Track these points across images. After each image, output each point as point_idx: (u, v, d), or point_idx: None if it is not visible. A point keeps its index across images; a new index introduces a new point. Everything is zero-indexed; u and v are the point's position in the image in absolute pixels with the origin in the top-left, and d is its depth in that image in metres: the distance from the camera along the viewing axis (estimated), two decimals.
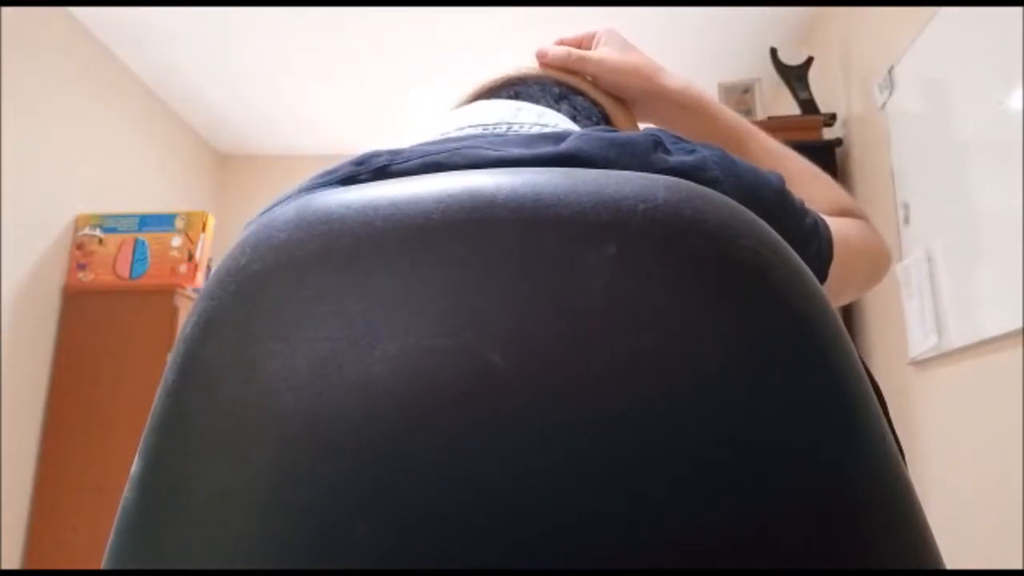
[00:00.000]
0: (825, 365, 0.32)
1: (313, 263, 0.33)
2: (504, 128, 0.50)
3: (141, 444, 0.35)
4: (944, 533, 1.69)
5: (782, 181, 0.47)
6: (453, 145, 0.43)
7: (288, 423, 0.32)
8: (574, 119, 0.58)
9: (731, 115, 0.66)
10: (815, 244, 0.49)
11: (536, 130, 0.50)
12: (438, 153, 0.42)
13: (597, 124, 0.60)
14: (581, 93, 0.61)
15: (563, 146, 0.42)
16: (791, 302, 0.32)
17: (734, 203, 0.34)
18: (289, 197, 0.43)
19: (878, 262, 0.61)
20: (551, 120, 0.52)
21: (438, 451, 0.31)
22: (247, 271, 0.34)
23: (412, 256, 0.32)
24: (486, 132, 0.49)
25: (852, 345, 0.34)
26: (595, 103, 0.62)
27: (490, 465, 0.31)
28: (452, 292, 0.32)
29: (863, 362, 0.36)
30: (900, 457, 0.34)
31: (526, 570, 0.30)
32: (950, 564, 1.62)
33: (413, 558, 0.31)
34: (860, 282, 0.60)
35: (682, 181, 0.34)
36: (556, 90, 0.60)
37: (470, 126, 0.51)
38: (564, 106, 0.58)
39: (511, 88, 0.59)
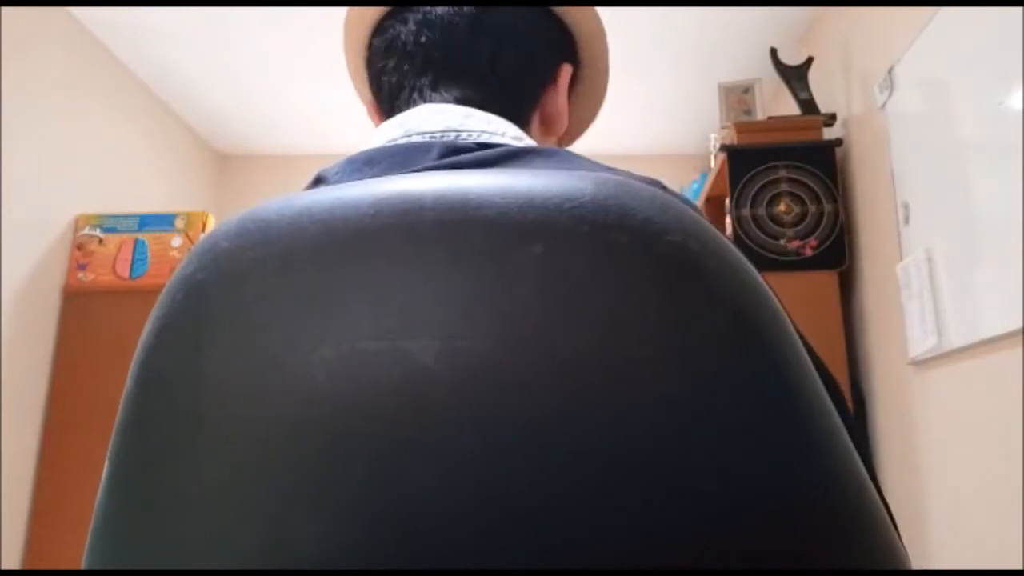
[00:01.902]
0: (762, 360, 0.32)
1: (251, 271, 0.34)
2: (452, 136, 0.49)
3: (109, 448, 0.36)
4: (944, 533, 1.69)
5: None
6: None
7: (235, 427, 0.33)
8: (493, 55, 0.54)
9: None
10: None
11: (484, 138, 0.49)
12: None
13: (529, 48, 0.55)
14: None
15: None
16: (724, 297, 0.32)
17: (666, 197, 0.34)
18: None
19: None
20: (499, 128, 0.51)
21: (375, 453, 0.31)
22: (192, 280, 0.35)
23: (344, 261, 0.33)
24: (434, 140, 0.48)
25: (797, 339, 0.34)
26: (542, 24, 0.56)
27: (424, 466, 0.31)
28: (383, 296, 0.32)
29: (817, 358, 0.36)
30: (854, 454, 0.33)
31: (462, 570, 0.30)
32: (950, 564, 1.62)
33: (352, 558, 0.31)
34: None
35: (612, 177, 0.34)
36: (467, 13, 0.54)
37: (417, 134, 0.50)
38: (479, 44, 0.54)
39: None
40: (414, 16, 0.55)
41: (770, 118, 2.35)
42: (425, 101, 0.53)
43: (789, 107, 2.49)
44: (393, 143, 0.49)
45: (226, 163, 3.68)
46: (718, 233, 0.34)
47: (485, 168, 0.42)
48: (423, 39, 0.54)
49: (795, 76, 2.34)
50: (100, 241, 2.48)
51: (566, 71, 0.59)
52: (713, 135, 2.62)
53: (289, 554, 0.31)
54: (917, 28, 1.80)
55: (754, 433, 0.31)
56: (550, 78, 0.58)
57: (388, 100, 0.56)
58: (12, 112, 2.22)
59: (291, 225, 0.34)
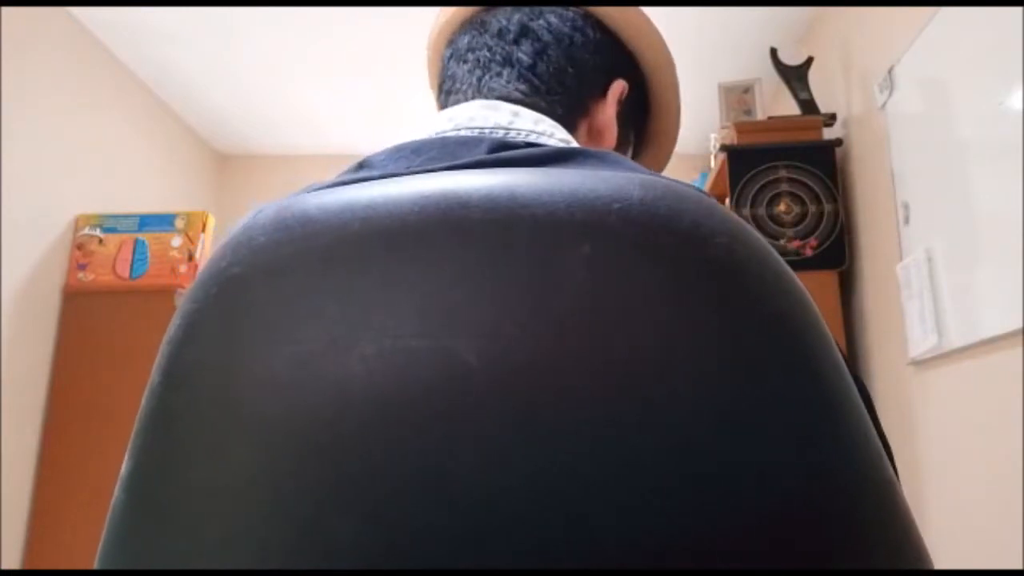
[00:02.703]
0: (804, 363, 0.32)
1: (291, 266, 0.33)
2: (501, 133, 0.50)
3: (130, 444, 0.35)
4: (944, 533, 1.69)
5: None
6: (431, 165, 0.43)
7: (268, 424, 0.32)
8: (539, 56, 0.56)
9: None
10: None
11: (533, 138, 0.49)
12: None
13: (567, 63, 0.56)
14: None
15: None
16: (768, 300, 0.32)
17: (711, 201, 0.34)
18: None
19: None
20: (547, 128, 0.51)
21: (414, 451, 0.31)
22: (227, 274, 0.34)
23: (388, 258, 0.32)
24: (483, 136, 0.48)
25: (834, 343, 0.34)
26: (585, 26, 0.58)
27: (465, 464, 0.31)
28: (428, 293, 0.32)
29: (847, 360, 0.36)
30: (885, 456, 0.33)
31: (501, 570, 0.30)
32: (950, 564, 1.62)
33: (389, 556, 0.31)
34: None
35: (658, 179, 0.34)
36: (516, 20, 0.57)
37: (467, 128, 0.50)
38: (525, 46, 0.56)
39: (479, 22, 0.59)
40: (473, 25, 0.59)
41: (770, 118, 2.35)
42: (472, 98, 0.55)
43: (789, 107, 2.49)
44: (442, 135, 0.50)
45: (226, 163, 3.67)
46: (761, 237, 0.34)
47: (533, 166, 0.42)
48: (476, 43, 0.58)
49: (795, 76, 2.34)
50: (100, 241, 2.48)
51: (618, 85, 0.59)
52: (713, 135, 2.62)
53: (323, 552, 0.31)
54: (917, 28, 1.80)
55: (793, 434, 0.31)
56: (600, 89, 0.58)
57: (443, 98, 0.59)
58: (12, 112, 2.22)
59: (333, 220, 0.33)
